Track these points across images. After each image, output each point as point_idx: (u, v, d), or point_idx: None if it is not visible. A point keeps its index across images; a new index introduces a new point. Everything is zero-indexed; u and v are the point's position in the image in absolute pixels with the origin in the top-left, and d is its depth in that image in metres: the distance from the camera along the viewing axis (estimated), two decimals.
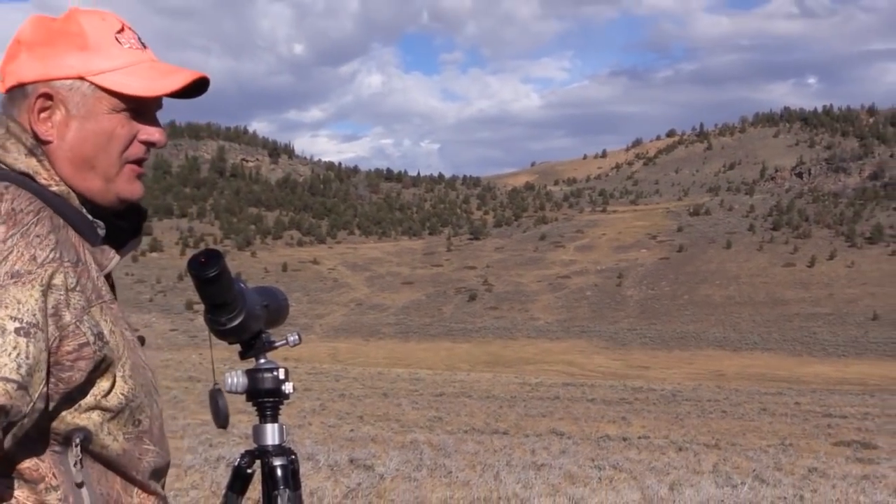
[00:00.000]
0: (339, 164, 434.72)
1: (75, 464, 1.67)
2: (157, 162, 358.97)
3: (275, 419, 2.09)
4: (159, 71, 1.85)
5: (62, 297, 1.65)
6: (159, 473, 1.78)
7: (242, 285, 2.09)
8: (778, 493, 14.06)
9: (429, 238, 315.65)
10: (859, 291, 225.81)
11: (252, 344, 2.09)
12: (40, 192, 1.76)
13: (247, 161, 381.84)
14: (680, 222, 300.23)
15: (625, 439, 35.05)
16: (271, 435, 2.08)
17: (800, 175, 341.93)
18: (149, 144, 1.85)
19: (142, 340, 1.80)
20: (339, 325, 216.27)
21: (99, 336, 1.68)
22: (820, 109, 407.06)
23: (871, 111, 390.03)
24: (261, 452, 2.07)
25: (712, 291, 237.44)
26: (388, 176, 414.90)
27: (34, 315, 1.59)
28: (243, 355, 2.11)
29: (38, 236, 1.67)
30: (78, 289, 1.68)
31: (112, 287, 1.86)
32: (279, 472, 2.03)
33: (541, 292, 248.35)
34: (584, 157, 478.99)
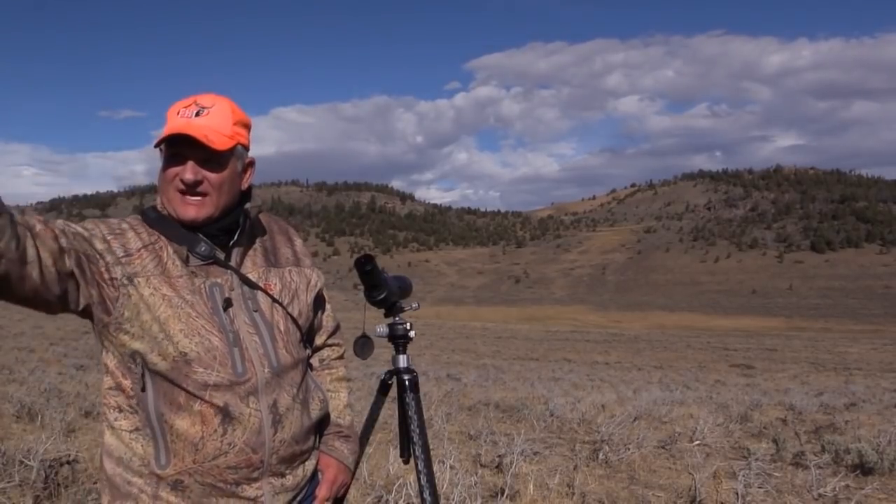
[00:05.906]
0: (441, 204, 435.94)
1: (141, 375, 1.52)
2: (336, 205, 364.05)
3: (404, 352, 2.11)
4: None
5: (111, 253, 1.49)
6: (220, 388, 1.51)
7: (386, 274, 2.07)
8: (697, 394, 13.82)
9: (492, 247, 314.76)
10: (744, 277, 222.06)
11: (391, 309, 2.09)
12: (148, 216, 1.61)
13: (388, 203, 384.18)
14: (639, 237, 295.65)
15: (607, 363, 34.66)
16: (402, 360, 2.10)
17: (709, 209, 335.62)
18: (182, 180, 1.54)
19: (228, 302, 1.56)
20: (441, 298, 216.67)
21: (129, 279, 1.49)
22: (721, 170, 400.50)
23: (750, 171, 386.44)
24: (396, 371, 2.09)
25: (658, 277, 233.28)
26: (469, 211, 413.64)
27: (98, 230, 1.51)
28: (386, 315, 2.11)
29: (114, 227, 1.52)
30: (123, 261, 1.49)
31: (227, 265, 1.61)
32: (407, 382, 2.05)
33: (557, 278, 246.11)
34: (583, 199, 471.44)
